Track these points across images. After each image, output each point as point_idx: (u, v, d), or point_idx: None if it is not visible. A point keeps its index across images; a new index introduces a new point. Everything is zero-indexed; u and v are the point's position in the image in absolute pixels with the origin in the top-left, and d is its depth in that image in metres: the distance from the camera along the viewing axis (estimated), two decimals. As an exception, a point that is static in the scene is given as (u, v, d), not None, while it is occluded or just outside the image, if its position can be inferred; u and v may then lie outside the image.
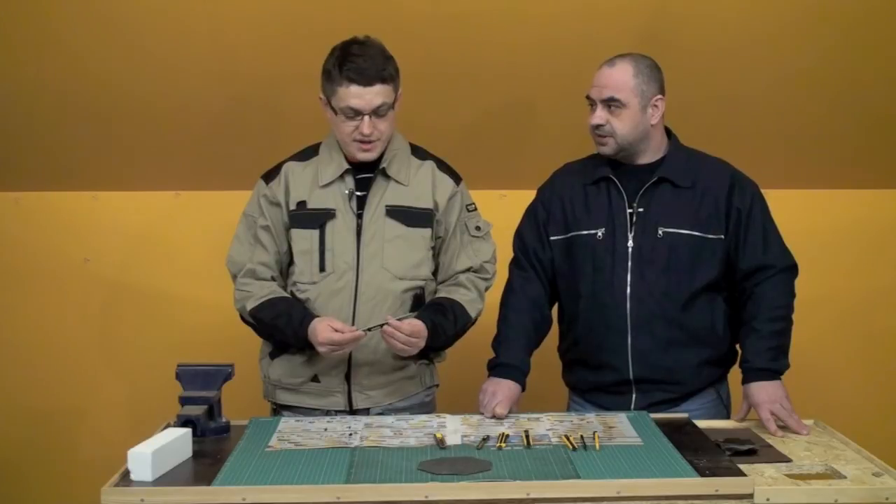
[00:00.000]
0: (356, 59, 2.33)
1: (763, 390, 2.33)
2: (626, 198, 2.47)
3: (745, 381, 2.38)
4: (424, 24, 2.87)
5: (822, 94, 3.12)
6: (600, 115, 2.42)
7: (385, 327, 2.31)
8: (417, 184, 2.48)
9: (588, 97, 2.45)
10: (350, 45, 2.36)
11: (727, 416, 2.51)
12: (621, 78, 2.40)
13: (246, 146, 3.15)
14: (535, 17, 2.89)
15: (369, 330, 2.35)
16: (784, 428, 2.29)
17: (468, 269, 2.52)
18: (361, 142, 2.38)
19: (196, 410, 2.20)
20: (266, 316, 2.42)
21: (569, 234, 2.52)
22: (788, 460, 2.07)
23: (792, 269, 2.46)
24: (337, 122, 2.39)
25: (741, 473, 1.93)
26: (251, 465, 2.00)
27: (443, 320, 2.41)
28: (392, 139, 2.46)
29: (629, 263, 2.43)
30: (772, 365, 2.36)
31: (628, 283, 2.43)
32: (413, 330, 2.33)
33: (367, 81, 2.32)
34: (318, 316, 2.37)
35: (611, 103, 2.40)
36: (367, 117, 2.34)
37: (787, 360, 2.39)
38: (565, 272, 2.54)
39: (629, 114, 2.40)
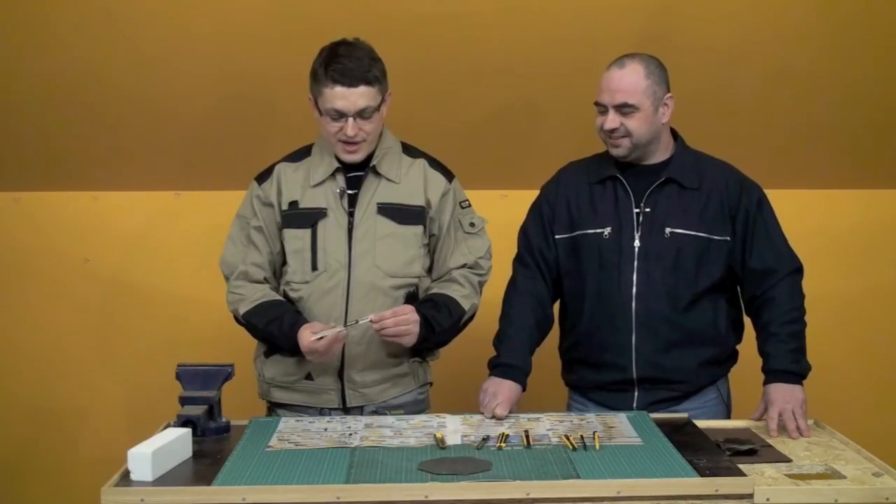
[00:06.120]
0: (342, 60, 2.33)
1: (780, 391, 2.33)
2: (633, 197, 2.46)
3: (766, 382, 2.37)
4: (425, 23, 2.87)
5: (822, 94, 3.12)
6: (614, 119, 2.39)
7: (371, 319, 2.31)
8: (409, 181, 2.48)
9: (598, 103, 2.41)
10: (337, 47, 2.37)
11: (727, 415, 2.51)
12: (633, 80, 2.37)
13: (247, 146, 3.14)
14: (536, 16, 2.89)
15: (350, 325, 2.34)
16: (785, 430, 2.28)
17: (462, 266, 2.51)
18: (346, 143, 2.38)
19: (196, 410, 2.20)
20: (259, 321, 2.42)
21: (574, 233, 2.51)
22: (788, 460, 2.08)
23: (799, 271, 2.47)
24: (323, 122, 2.40)
25: (741, 473, 1.93)
26: (251, 465, 2.00)
27: (435, 314, 2.41)
28: (382, 137, 2.46)
29: (636, 263, 2.43)
30: (793, 367, 2.36)
31: (634, 282, 2.43)
32: (396, 310, 2.33)
33: (351, 83, 2.32)
34: (308, 321, 2.37)
35: (624, 109, 2.37)
36: (350, 119, 2.35)
37: (807, 362, 2.39)
38: (570, 271, 2.53)
39: (643, 115, 2.38)
